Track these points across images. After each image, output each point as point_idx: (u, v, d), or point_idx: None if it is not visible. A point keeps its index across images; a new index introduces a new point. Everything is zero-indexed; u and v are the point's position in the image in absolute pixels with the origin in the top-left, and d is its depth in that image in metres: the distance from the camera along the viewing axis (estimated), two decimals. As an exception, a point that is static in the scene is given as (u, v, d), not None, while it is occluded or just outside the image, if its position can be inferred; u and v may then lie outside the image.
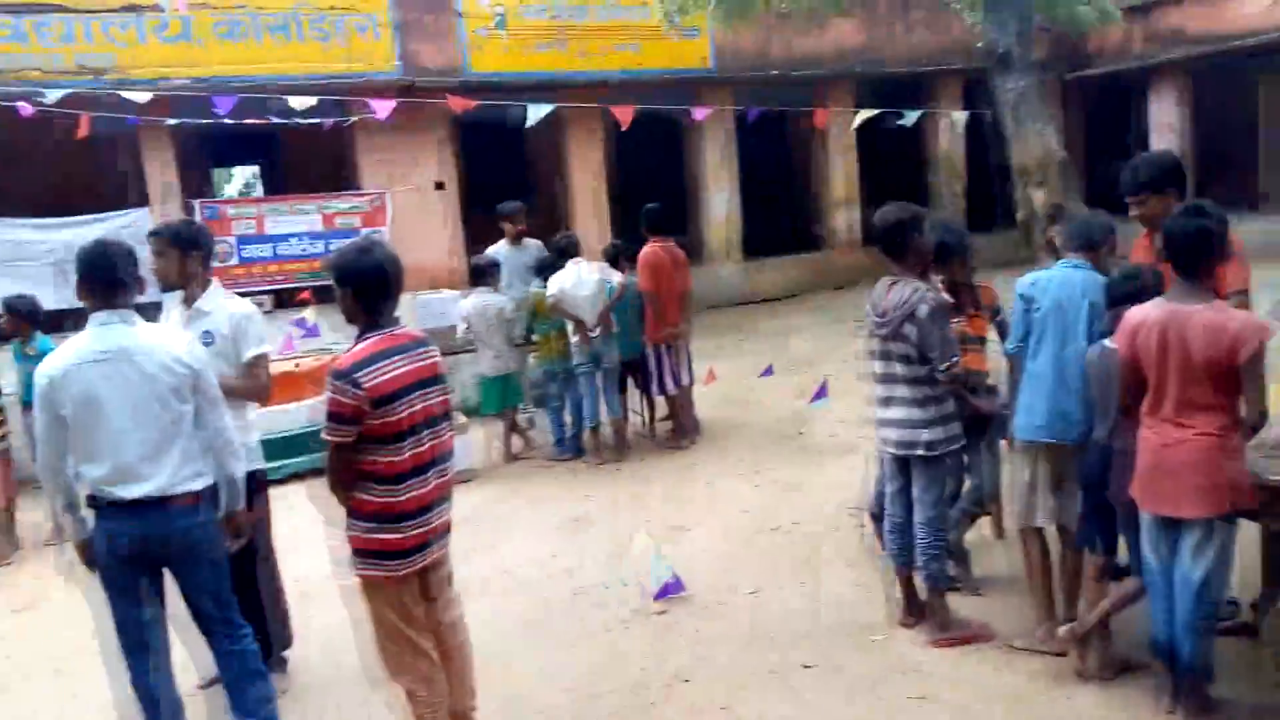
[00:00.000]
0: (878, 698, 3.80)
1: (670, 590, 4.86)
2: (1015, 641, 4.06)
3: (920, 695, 3.78)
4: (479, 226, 11.96)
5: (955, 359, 4.03)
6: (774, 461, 7.02)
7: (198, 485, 3.47)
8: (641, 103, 10.76)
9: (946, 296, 4.33)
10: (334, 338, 8.98)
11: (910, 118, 12.03)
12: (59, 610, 5.40)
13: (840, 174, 15.41)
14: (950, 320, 4.16)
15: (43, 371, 3.36)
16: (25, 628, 5.34)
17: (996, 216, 15.10)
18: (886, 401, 4.17)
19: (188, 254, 4.09)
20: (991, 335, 4.75)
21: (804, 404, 8.06)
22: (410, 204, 12.58)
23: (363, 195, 12.38)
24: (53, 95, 7.22)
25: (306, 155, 13.94)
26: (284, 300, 11.72)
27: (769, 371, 9.37)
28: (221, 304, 4.11)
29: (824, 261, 15.41)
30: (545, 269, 7.61)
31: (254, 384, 4.09)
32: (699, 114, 11.56)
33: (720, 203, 14.75)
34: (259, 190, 16.86)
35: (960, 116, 14.02)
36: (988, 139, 13.52)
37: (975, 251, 4.80)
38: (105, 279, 3.40)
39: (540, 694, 4.05)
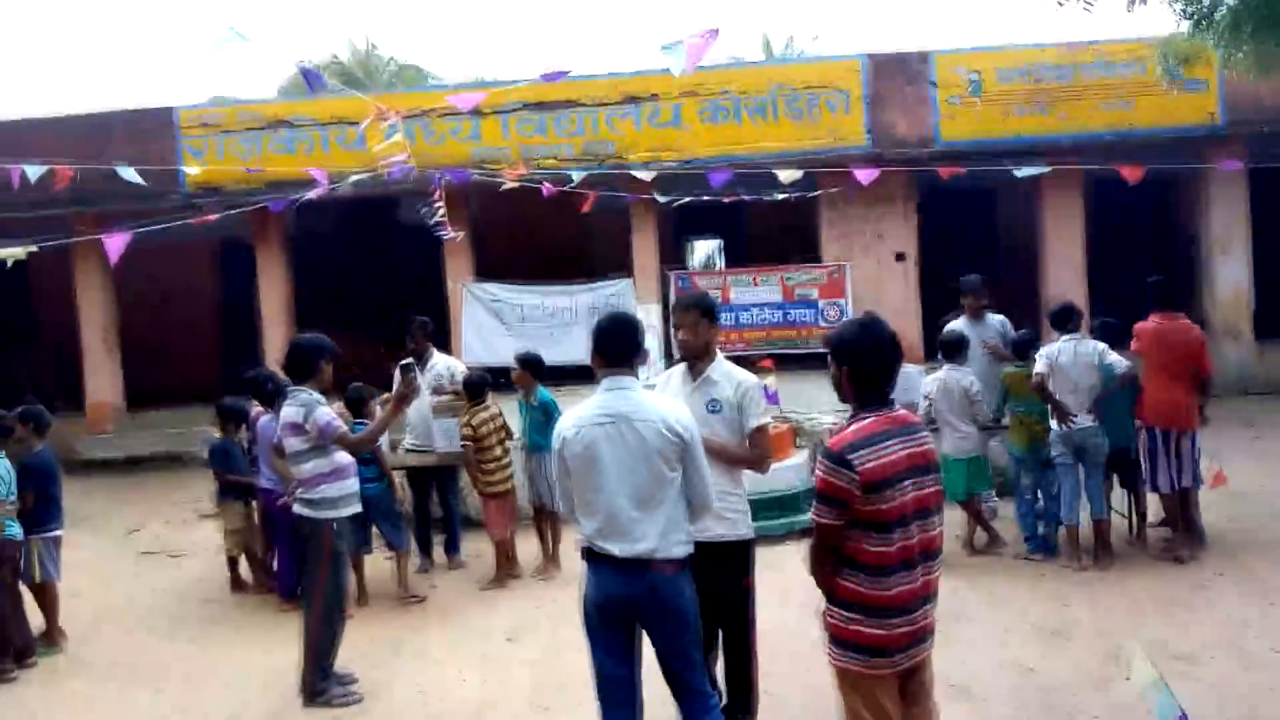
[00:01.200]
0: None
1: (1179, 731, 4.09)
2: None
3: None
4: (937, 298, 11.54)
5: None
6: (1311, 589, 5.76)
7: (679, 552, 3.55)
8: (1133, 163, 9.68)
9: None
10: (791, 406, 9.09)
11: None
12: (547, 642, 5.86)
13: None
14: None
15: (559, 428, 3.68)
16: (514, 654, 5.83)
17: None
18: None
19: (712, 324, 4.27)
20: None
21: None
22: (870, 275, 12.51)
23: (822, 267, 12.54)
24: (577, 176, 8.25)
25: (765, 228, 14.50)
26: (744, 367, 12.16)
27: (1300, 478, 7.79)
28: (728, 373, 4.24)
29: (1369, 346, 12.68)
30: (1024, 345, 7.04)
31: (757, 453, 4.16)
32: (1226, 166, 10.20)
33: (1228, 274, 12.78)
34: (719, 262, 17.91)
35: None
36: None
37: None
38: (617, 347, 3.66)
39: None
